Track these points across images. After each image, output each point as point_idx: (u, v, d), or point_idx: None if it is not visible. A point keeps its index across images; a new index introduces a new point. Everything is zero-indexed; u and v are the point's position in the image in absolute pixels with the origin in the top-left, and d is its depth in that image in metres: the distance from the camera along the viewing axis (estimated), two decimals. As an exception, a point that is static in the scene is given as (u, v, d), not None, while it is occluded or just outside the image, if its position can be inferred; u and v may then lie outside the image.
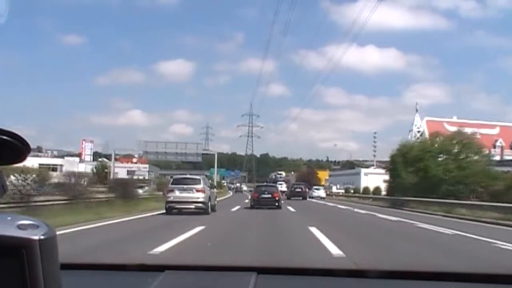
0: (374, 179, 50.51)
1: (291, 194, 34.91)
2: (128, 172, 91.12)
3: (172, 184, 15.04)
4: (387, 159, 33.68)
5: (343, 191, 52.42)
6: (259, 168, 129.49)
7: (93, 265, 1.65)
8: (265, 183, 30.81)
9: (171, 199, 14.58)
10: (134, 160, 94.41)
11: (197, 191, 14.63)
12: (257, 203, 19.56)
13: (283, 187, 41.38)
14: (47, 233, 0.61)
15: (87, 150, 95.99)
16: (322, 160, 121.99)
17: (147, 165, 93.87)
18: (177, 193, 14.54)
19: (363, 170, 62.06)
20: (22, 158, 0.67)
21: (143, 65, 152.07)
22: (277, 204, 19.59)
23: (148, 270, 1.57)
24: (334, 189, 55.56)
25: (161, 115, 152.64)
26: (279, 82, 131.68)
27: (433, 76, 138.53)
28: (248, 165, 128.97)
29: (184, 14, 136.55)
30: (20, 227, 0.60)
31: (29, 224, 0.61)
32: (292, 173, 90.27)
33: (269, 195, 20.47)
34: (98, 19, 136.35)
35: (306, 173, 62.37)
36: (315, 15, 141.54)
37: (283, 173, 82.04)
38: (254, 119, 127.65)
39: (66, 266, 0.97)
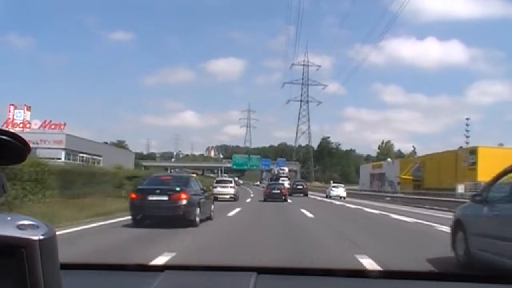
0: None
1: (292, 191, 38.28)
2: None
3: (215, 183, 28.58)
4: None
5: None
6: (319, 159, 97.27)
7: (93, 265, 1.75)
8: (274, 182, 39.88)
9: (214, 192, 24.79)
10: (35, 124, 36.67)
11: (230, 187, 27.68)
12: (269, 197, 28.20)
13: (285, 183, 41.35)
14: (47, 233, 0.64)
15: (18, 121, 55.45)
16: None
17: (61, 136, 34.08)
18: (218, 188, 26.95)
19: None
20: (22, 158, 0.70)
21: (193, 64, 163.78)
22: (283, 198, 27.97)
23: (148, 270, 1.70)
24: None
25: (214, 115, 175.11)
26: (333, 79, 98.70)
27: (498, 71, 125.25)
28: (300, 153, 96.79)
29: (234, 9, 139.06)
30: (20, 227, 0.64)
31: (29, 224, 0.64)
32: (389, 160, 63.52)
33: (278, 191, 28.62)
34: (145, 15, 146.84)
35: None
36: (372, 5, 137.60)
37: (286, 169, 70.30)
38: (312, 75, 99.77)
39: (66, 266, 1.11)
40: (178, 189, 11.46)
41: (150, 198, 11.25)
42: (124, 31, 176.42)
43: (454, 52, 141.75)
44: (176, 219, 10.97)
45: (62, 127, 49.37)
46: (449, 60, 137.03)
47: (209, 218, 12.99)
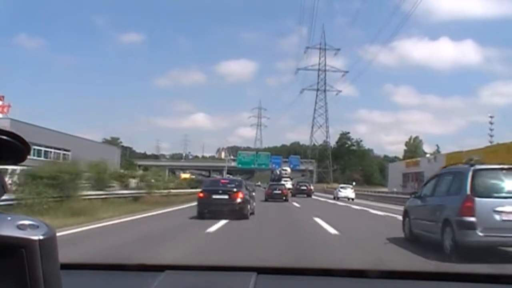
0: None
1: (296, 192, 40.91)
2: None
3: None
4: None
5: None
6: (337, 157, 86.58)
7: (93, 265, 1.76)
8: (276, 182, 40.50)
9: None
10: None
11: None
12: (270, 197, 30.34)
13: (288, 184, 43.79)
14: (47, 233, 0.65)
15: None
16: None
17: (5, 121, 21.79)
18: None
19: None
20: (22, 158, 0.71)
21: (204, 66, 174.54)
22: (284, 198, 30.15)
23: (148, 270, 1.70)
24: None
25: (225, 117, 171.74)
26: (344, 81, 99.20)
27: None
28: (316, 151, 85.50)
29: (244, 10, 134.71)
30: (20, 227, 0.64)
31: (29, 224, 0.65)
32: (429, 155, 55.94)
33: (280, 192, 30.64)
34: (155, 16, 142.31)
35: None
36: (383, 5, 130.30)
37: (288, 169, 67.44)
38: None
39: (66, 266, 1.13)
40: (235, 190, 15.28)
41: (214, 196, 14.99)
42: (135, 32, 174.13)
43: (468, 52, 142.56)
44: (233, 213, 14.45)
45: (5, 109, 39.64)
46: (463, 61, 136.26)
47: (252, 213, 16.65)
